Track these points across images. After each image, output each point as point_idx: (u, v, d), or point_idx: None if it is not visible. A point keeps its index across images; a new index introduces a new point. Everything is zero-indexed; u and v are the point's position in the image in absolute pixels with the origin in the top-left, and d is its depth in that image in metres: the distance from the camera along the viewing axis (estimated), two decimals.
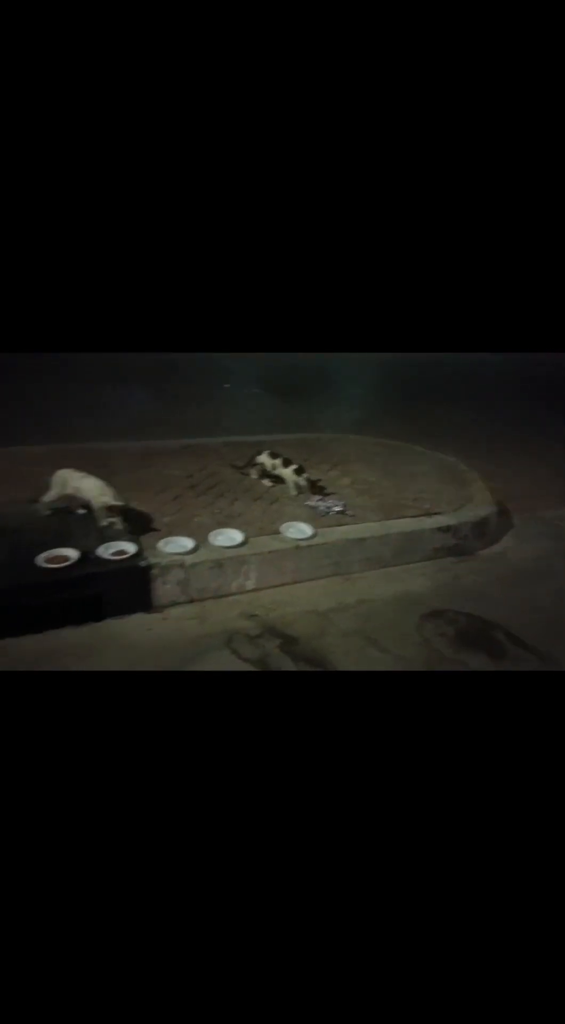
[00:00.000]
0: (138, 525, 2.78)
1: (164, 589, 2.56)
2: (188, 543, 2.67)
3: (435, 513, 3.32)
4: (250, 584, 2.74)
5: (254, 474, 3.55)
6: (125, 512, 2.74)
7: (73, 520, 2.80)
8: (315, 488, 3.35)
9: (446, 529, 3.21)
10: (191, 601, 2.62)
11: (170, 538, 2.69)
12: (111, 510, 2.69)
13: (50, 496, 2.79)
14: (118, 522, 2.70)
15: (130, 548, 2.58)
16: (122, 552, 2.56)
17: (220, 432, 4.70)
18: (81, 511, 2.80)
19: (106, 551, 2.54)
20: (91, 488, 2.73)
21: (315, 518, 3.10)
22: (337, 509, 3.20)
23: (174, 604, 2.59)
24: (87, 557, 2.49)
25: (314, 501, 3.26)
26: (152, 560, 2.54)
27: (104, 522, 2.69)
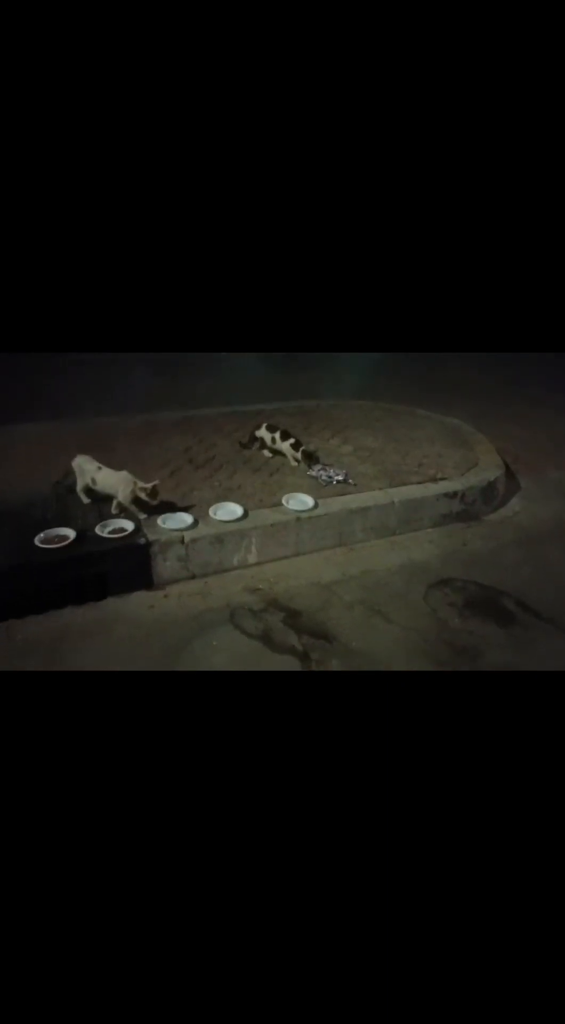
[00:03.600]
0: (163, 509, 2.70)
1: (165, 566, 2.52)
2: (188, 518, 2.62)
3: (441, 478, 3.23)
4: (252, 558, 2.70)
5: (256, 448, 3.46)
6: (146, 503, 2.65)
7: (74, 500, 2.74)
8: (313, 459, 3.26)
9: (452, 495, 3.13)
10: (193, 577, 2.59)
11: (169, 514, 2.64)
12: (136, 503, 2.62)
13: (80, 485, 2.71)
14: (139, 511, 2.64)
15: (128, 526, 2.53)
16: (121, 530, 2.51)
17: (218, 403, 4.58)
18: (86, 501, 2.73)
19: (104, 529, 2.49)
20: (110, 482, 2.63)
21: (317, 488, 3.02)
22: (339, 478, 3.12)
23: (176, 581, 2.56)
24: (85, 536, 2.45)
25: (315, 471, 3.18)
26: (151, 537, 2.49)
27: (115, 511, 2.62)
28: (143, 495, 2.59)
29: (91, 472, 2.67)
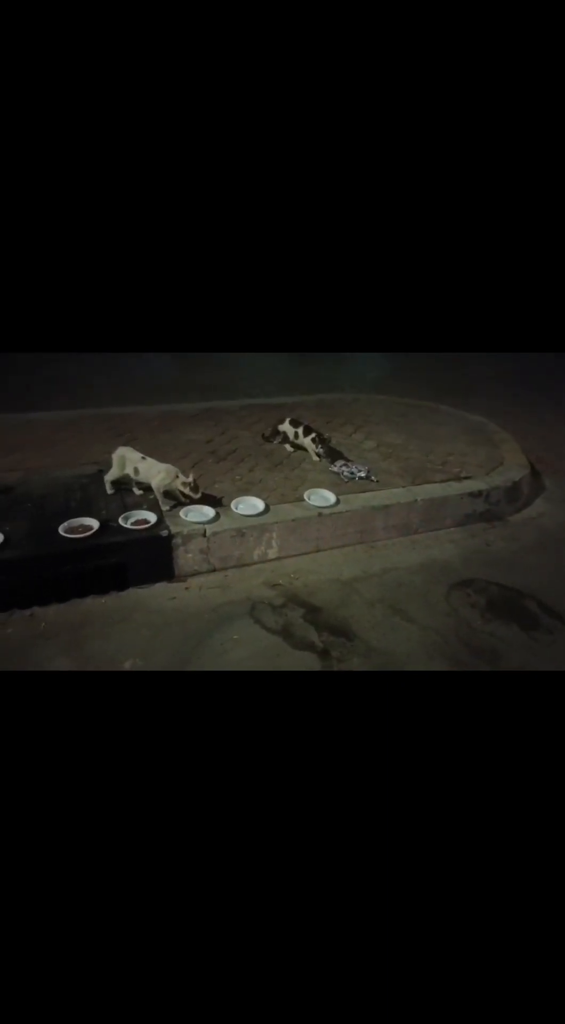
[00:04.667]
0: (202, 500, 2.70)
1: (186, 558, 2.53)
2: (209, 511, 2.62)
3: (465, 477, 3.19)
4: (272, 553, 2.69)
5: (278, 441, 3.45)
6: (190, 497, 2.65)
7: (98, 489, 2.76)
8: (335, 455, 3.24)
9: (476, 494, 3.08)
10: (213, 570, 2.59)
11: (191, 506, 2.64)
12: (167, 495, 2.63)
13: (112, 474, 2.72)
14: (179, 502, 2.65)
15: (151, 517, 2.54)
16: (143, 521, 2.52)
17: (239, 395, 4.57)
18: (137, 492, 2.75)
19: (127, 520, 2.51)
20: (153, 472, 2.64)
21: (339, 484, 3.00)
22: (361, 474, 3.10)
23: (197, 573, 2.56)
24: (108, 526, 2.47)
25: (337, 467, 3.16)
26: (173, 529, 2.50)
27: (165, 506, 2.62)
28: (186, 489, 2.60)
29: (134, 462, 2.67)
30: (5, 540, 2.32)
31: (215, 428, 3.77)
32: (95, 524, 2.45)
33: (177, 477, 2.60)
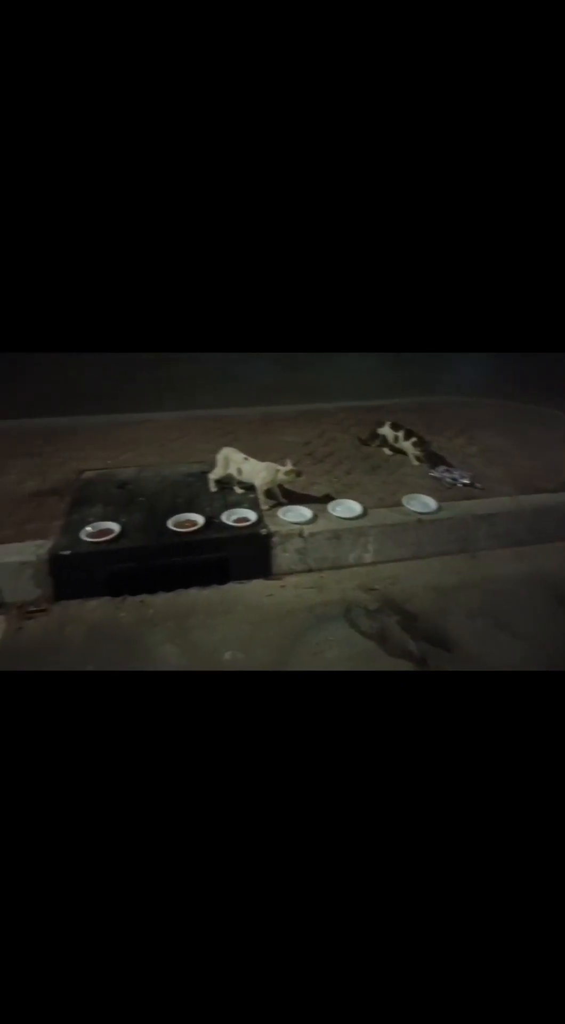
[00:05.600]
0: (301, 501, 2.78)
1: (283, 557, 2.60)
2: (307, 512, 2.67)
3: None
4: (368, 557, 2.68)
5: (376, 444, 3.42)
6: (288, 493, 2.77)
7: (202, 487, 2.92)
8: (436, 460, 3.15)
9: None
10: (309, 570, 2.64)
11: (290, 507, 2.71)
12: (269, 494, 2.73)
13: (216, 473, 2.88)
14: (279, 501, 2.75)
15: (251, 515, 2.64)
16: (244, 519, 2.62)
17: (336, 397, 4.59)
18: (239, 491, 2.86)
19: (229, 517, 2.62)
20: (254, 470, 2.75)
21: (440, 490, 2.92)
22: (464, 481, 2.99)
23: (293, 572, 2.62)
24: (212, 522, 2.60)
25: (439, 472, 3.07)
26: (272, 528, 2.57)
27: (265, 505, 2.72)
28: (289, 477, 2.67)
29: (237, 462, 2.79)
30: (122, 531, 2.53)
31: (312, 430, 3.81)
32: (200, 520, 2.60)
33: (278, 471, 2.68)
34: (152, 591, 2.50)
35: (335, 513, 2.69)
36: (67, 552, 2.40)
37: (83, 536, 2.47)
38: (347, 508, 2.72)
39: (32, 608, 2.37)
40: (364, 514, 2.69)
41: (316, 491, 2.91)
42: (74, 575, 2.41)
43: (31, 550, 2.40)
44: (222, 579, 2.56)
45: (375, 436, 3.41)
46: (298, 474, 2.69)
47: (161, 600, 2.46)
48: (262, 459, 2.78)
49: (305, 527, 2.60)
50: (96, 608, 2.38)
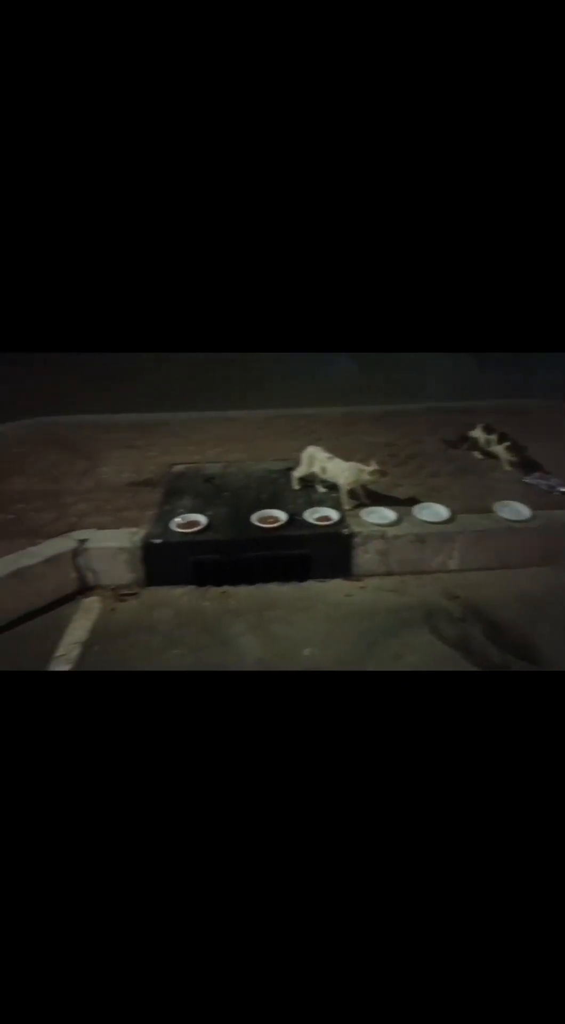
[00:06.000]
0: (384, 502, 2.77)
1: (364, 558, 2.59)
2: (390, 514, 2.64)
3: None
4: (453, 563, 2.61)
5: (465, 448, 3.31)
6: (371, 494, 2.77)
7: (286, 484, 2.97)
8: (532, 466, 2.99)
9: None
10: (390, 573, 2.61)
11: (373, 508, 2.69)
12: (352, 494, 2.73)
13: (300, 471, 2.92)
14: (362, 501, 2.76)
15: (333, 515, 2.65)
16: (326, 518, 2.64)
17: (423, 397, 4.49)
18: (322, 490, 2.88)
19: (312, 515, 2.65)
20: (338, 470, 2.76)
21: (533, 497, 2.77)
22: (561, 489, 2.81)
23: (373, 574, 2.60)
24: (294, 520, 2.64)
25: (533, 478, 2.92)
26: (354, 528, 2.57)
27: (347, 505, 2.73)
28: (373, 478, 2.66)
29: (322, 461, 2.81)
30: (208, 524, 2.64)
31: (396, 431, 3.76)
32: (283, 516, 2.65)
33: (362, 471, 2.67)
34: (235, 583, 2.59)
35: (420, 517, 2.64)
36: (158, 541, 2.54)
37: (173, 527, 2.61)
38: (433, 512, 2.66)
39: (125, 592, 2.53)
40: (451, 519, 2.61)
41: (400, 493, 2.87)
42: (164, 563, 2.55)
43: (126, 537, 2.57)
44: (302, 576, 2.60)
45: (465, 439, 3.30)
46: (382, 474, 2.67)
47: (243, 592, 2.53)
48: (346, 459, 2.78)
49: (388, 529, 2.57)
50: (182, 595, 2.50)
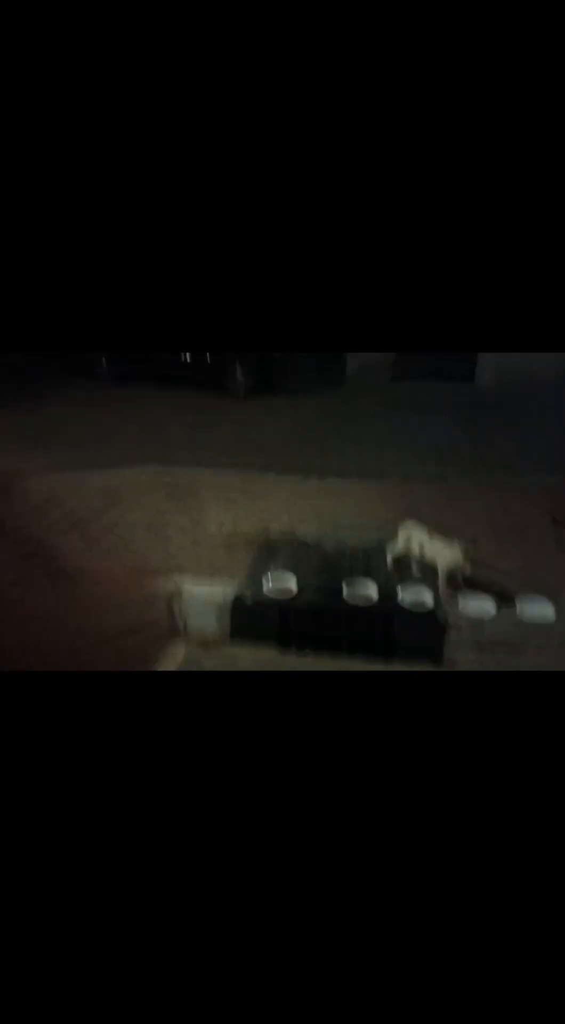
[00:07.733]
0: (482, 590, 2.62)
1: (457, 650, 2.44)
2: (490, 608, 2.48)
3: None
4: (560, 666, 2.38)
5: None
6: (470, 582, 2.63)
7: (380, 559, 2.89)
8: None
9: None
10: (482, 668, 2.43)
11: (473, 596, 2.55)
12: (450, 578, 2.60)
13: (396, 550, 2.80)
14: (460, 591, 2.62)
15: (428, 599, 2.54)
16: (420, 603, 2.54)
17: (530, 468, 4.24)
18: (417, 572, 2.73)
19: (406, 597, 2.56)
20: (436, 553, 2.65)
21: None
22: None
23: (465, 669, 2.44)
24: (386, 599, 2.57)
25: None
26: (449, 618, 2.44)
27: (445, 590, 2.60)
28: (467, 571, 2.54)
29: (420, 540, 2.70)
30: (298, 590, 2.64)
31: (498, 502, 3.57)
32: (375, 594, 2.58)
33: (462, 554, 2.55)
34: (317, 651, 2.55)
35: (524, 611, 2.45)
36: (247, 600, 2.59)
37: (263, 588, 2.65)
38: (539, 609, 2.46)
39: (210, 642, 2.59)
40: (556, 618, 2.40)
41: (504, 580, 2.69)
42: (250, 621, 2.58)
43: (218, 591, 2.64)
44: (387, 656, 2.50)
45: None
46: (483, 563, 2.52)
47: (325, 663, 2.48)
48: (443, 533, 2.66)
49: (486, 622, 2.42)
50: (263, 655, 2.51)
